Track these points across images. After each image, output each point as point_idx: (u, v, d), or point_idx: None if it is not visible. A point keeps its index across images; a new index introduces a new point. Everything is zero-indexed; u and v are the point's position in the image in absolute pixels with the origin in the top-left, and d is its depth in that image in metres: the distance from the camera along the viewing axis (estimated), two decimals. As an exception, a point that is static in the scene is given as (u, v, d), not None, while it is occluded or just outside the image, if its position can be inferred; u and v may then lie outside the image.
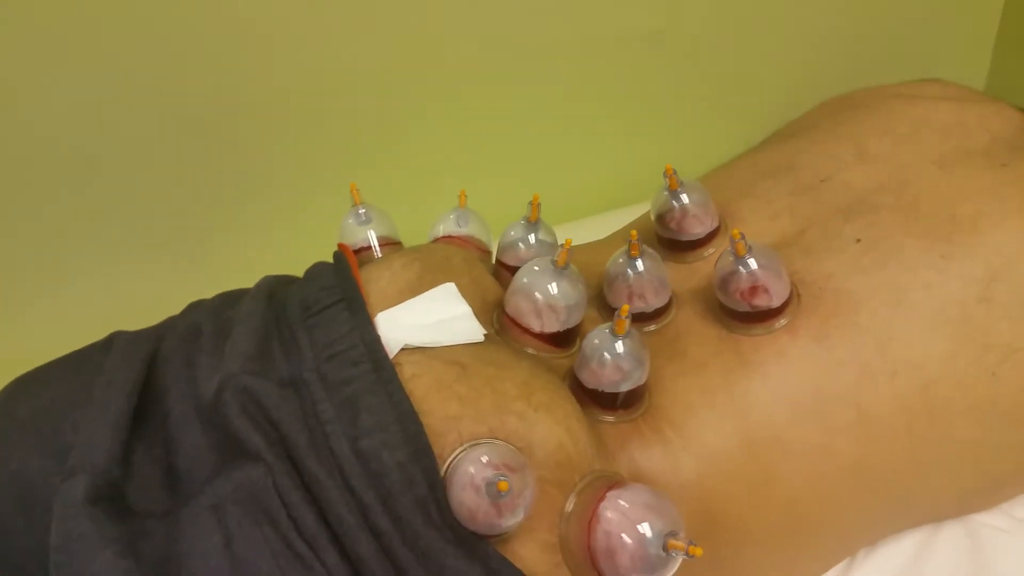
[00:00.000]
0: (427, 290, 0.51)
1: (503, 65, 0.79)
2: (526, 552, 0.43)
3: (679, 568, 0.43)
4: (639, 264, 0.53)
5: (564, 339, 0.53)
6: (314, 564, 0.41)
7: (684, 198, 0.57)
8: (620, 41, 0.82)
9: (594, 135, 0.85)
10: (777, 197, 0.59)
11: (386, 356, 0.47)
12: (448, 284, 0.52)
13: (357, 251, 0.58)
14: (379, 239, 0.59)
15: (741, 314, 0.51)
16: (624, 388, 0.48)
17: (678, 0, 0.79)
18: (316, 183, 0.79)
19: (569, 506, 0.44)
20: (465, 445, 0.43)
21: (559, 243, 0.58)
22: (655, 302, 0.54)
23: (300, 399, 0.46)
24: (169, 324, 0.55)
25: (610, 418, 0.49)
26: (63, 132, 0.68)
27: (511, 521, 0.41)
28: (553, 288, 0.51)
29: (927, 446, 0.50)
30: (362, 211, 0.59)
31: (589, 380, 0.48)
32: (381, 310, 0.50)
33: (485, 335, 0.50)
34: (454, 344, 0.48)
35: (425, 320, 0.50)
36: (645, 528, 0.42)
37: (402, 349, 0.48)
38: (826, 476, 0.50)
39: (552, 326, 0.52)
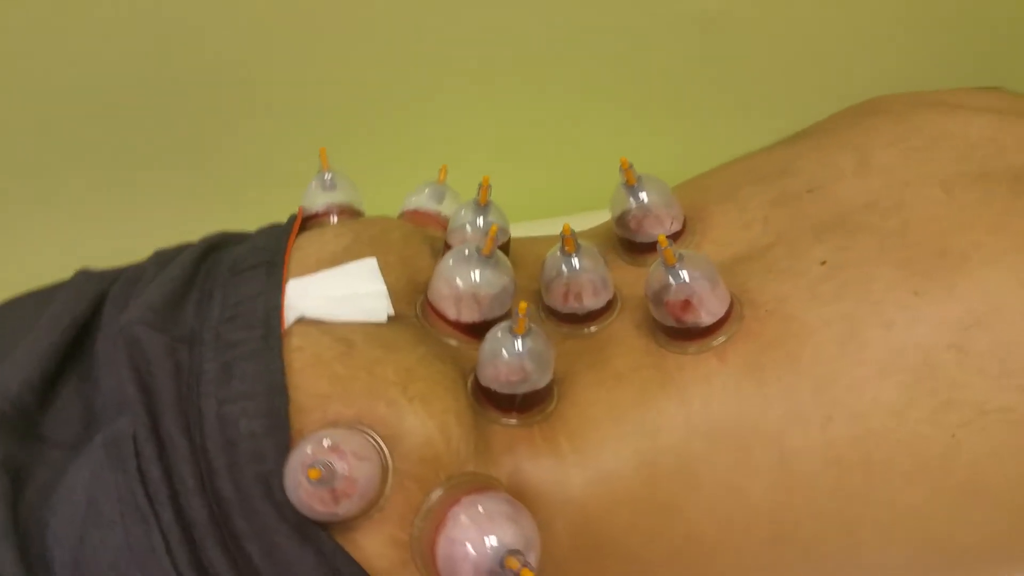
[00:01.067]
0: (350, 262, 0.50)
1: (538, 49, 0.76)
2: (370, 545, 0.42)
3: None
4: (574, 262, 0.50)
5: (485, 331, 0.50)
6: (149, 519, 0.41)
7: (643, 196, 0.52)
8: (670, 25, 0.77)
9: (628, 123, 0.81)
10: (756, 205, 0.53)
11: (278, 324, 0.46)
12: (370, 259, 0.50)
13: (314, 216, 0.58)
14: (338, 206, 0.58)
15: (671, 329, 0.47)
16: (521, 390, 0.45)
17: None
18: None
19: (427, 504, 0.42)
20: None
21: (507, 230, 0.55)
22: (590, 304, 0.50)
23: (191, 356, 0.46)
24: (130, 267, 0.57)
25: (512, 421, 0.46)
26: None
27: (344, 510, 0.40)
28: (475, 276, 0.48)
29: (859, 506, 0.44)
30: (327, 176, 0.59)
31: (485, 378, 0.45)
32: (297, 277, 0.49)
33: (392, 317, 0.48)
34: (353, 321, 0.47)
35: (335, 293, 0.49)
36: (492, 540, 0.39)
37: (299, 320, 0.47)
38: (735, 519, 0.45)
39: (469, 316, 0.49)
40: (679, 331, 0.46)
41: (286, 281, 0.49)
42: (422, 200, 0.61)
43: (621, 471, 0.44)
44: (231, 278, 0.50)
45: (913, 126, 0.54)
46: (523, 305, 0.44)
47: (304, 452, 0.39)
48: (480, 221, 0.54)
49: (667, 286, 0.46)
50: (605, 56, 0.78)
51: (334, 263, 0.50)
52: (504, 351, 0.45)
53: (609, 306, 0.51)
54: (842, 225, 0.49)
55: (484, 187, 0.53)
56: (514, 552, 0.39)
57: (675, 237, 0.53)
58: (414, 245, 0.54)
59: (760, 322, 0.46)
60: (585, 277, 0.50)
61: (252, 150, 0.81)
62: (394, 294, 0.50)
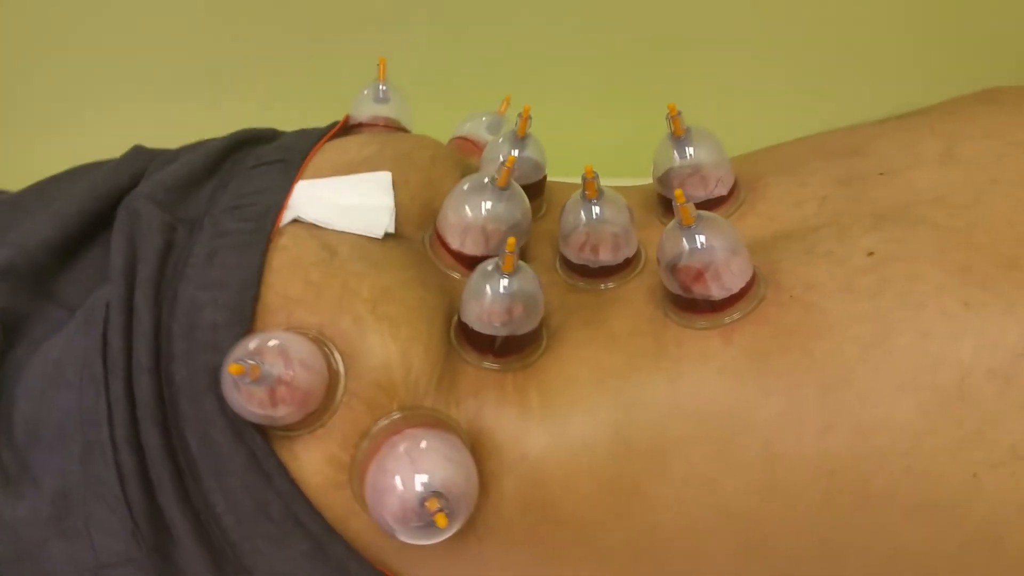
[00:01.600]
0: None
1: None
2: (308, 458, 0.40)
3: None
4: (595, 210, 0.45)
5: (490, 267, 0.47)
6: (101, 388, 0.41)
7: (689, 151, 0.47)
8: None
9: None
10: (818, 182, 0.47)
11: (272, 221, 0.45)
12: (384, 173, 0.48)
13: (358, 125, 0.56)
14: (384, 119, 0.56)
15: (679, 299, 0.42)
16: (501, 333, 0.42)
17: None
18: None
19: (373, 430, 0.40)
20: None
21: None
22: (606, 258, 0.46)
23: (189, 238, 0.46)
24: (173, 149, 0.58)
25: (492, 365, 0.43)
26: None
27: (282, 415, 0.38)
28: (485, 207, 0.45)
29: (846, 532, 0.38)
30: (382, 88, 0.57)
31: (465, 315, 0.43)
32: (309, 179, 0.48)
33: (391, 235, 0.46)
34: (348, 231, 0.45)
35: (340, 200, 0.47)
36: (423, 478, 0.37)
37: (294, 220, 0.45)
38: (702, 517, 0.40)
39: (473, 248, 0.46)
40: (687, 302, 0.42)
41: (296, 181, 0.47)
42: (475, 128, 0.58)
43: (588, 439, 0.41)
44: (248, 171, 0.50)
45: (1019, 121, 0.45)
46: (511, 241, 0.40)
47: (245, 348, 0.38)
48: (515, 153, 0.51)
49: (680, 251, 0.41)
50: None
51: (350, 171, 0.48)
52: (488, 288, 0.41)
53: (627, 264, 0.47)
54: (905, 215, 0.42)
55: (524, 118, 0.50)
56: (438, 494, 0.36)
57: (718, 202, 0.48)
58: (443, 168, 0.51)
59: (780, 307, 0.41)
60: (606, 229, 0.46)
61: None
62: (405, 214, 0.48)
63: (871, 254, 0.41)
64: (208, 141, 0.54)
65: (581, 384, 0.42)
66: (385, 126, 0.56)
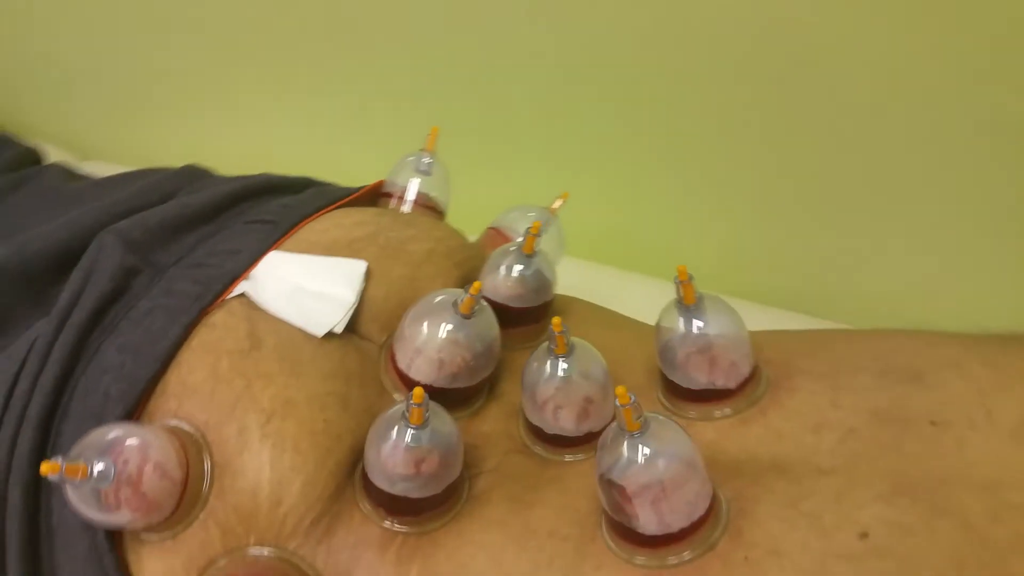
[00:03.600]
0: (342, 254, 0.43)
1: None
2: (149, 566, 0.36)
3: None
4: (560, 366, 0.38)
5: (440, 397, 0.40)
6: None
7: (698, 324, 0.38)
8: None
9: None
10: (852, 404, 0.36)
11: (218, 290, 0.41)
12: (360, 263, 0.43)
13: (389, 195, 0.51)
14: (423, 196, 0.51)
15: (612, 520, 0.33)
16: (396, 490, 0.35)
17: None
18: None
19: (220, 563, 0.35)
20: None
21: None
22: (567, 427, 0.38)
23: (148, 285, 0.44)
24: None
25: (384, 522, 0.37)
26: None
27: (122, 520, 0.35)
28: (444, 329, 0.39)
29: None
30: (426, 160, 0.52)
31: (366, 459, 0.36)
32: (291, 250, 0.44)
33: (334, 335, 0.41)
34: (287, 320, 0.40)
35: (302, 283, 0.42)
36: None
37: (239, 295, 0.41)
38: None
39: (420, 375, 0.40)
40: (618, 526, 0.33)
41: (271, 249, 0.44)
42: (514, 221, 0.52)
43: None
44: (242, 224, 0.47)
45: None
46: (418, 391, 0.34)
47: (101, 438, 0.34)
48: (516, 270, 0.44)
49: (615, 463, 0.32)
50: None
51: (332, 250, 0.44)
52: (393, 434, 0.35)
53: (590, 438, 0.38)
54: (933, 495, 0.31)
55: (532, 235, 0.43)
56: None
57: (723, 395, 0.38)
58: (437, 267, 0.45)
59: (726, 567, 0.31)
60: (575, 391, 0.38)
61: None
62: (373, 312, 0.43)
63: (864, 536, 0.30)
64: (236, 179, 0.52)
65: None
66: (416, 201, 0.51)
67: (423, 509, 0.36)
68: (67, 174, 0.68)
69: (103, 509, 0.34)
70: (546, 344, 0.38)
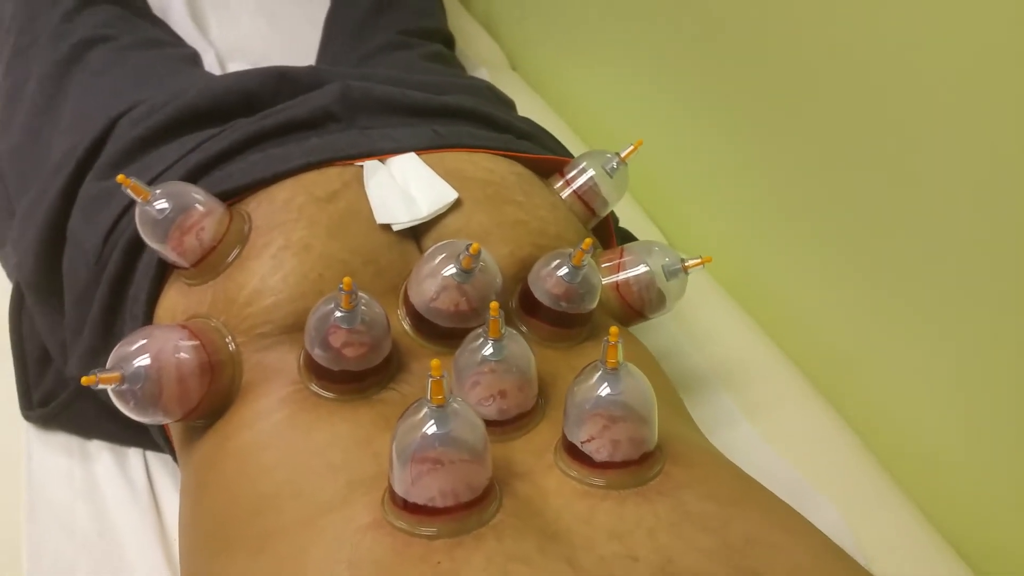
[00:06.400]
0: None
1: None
2: (171, 301, 0.47)
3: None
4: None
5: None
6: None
7: (618, 390, 0.36)
8: None
9: None
10: (669, 546, 0.32)
11: (344, 155, 0.50)
12: (452, 193, 0.49)
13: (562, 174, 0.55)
14: (585, 188, 0.54)
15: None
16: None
17: None
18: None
19: (197, 319, 0.45)
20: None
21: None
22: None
23: (336, 128, 0.54)
24: None
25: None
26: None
27: (184, 247, 0.45)
28: (439, 277, 0.43)
29: None
30: (615, 163, 0.54)
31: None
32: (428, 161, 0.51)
33: (389, 228, 0.47)
34: (369, 201, 0.48)
35: (404, 181, 0.49)
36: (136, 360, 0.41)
37: (361, 165, 0.50)
38: None
39: (415, 298, 0.44)
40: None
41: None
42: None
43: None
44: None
45: None
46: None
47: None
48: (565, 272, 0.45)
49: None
50: None
51: (449, 176, 0.50)
52: (328, 309, 0.41)
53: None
54: None
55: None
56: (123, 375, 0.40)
57: (622, 465, 0.36)
58: (515, 236, 0.49)
59: None
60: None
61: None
62: (436, 237, 0.49)
63: None
64: (470, 95, 0.61)
65: None
66: (579, 194, 0.54)
67: (340, 380, 0.41)
68: None
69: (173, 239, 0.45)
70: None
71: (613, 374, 0.36)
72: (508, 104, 0.68)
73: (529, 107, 0.91)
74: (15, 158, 0.64)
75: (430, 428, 0.33)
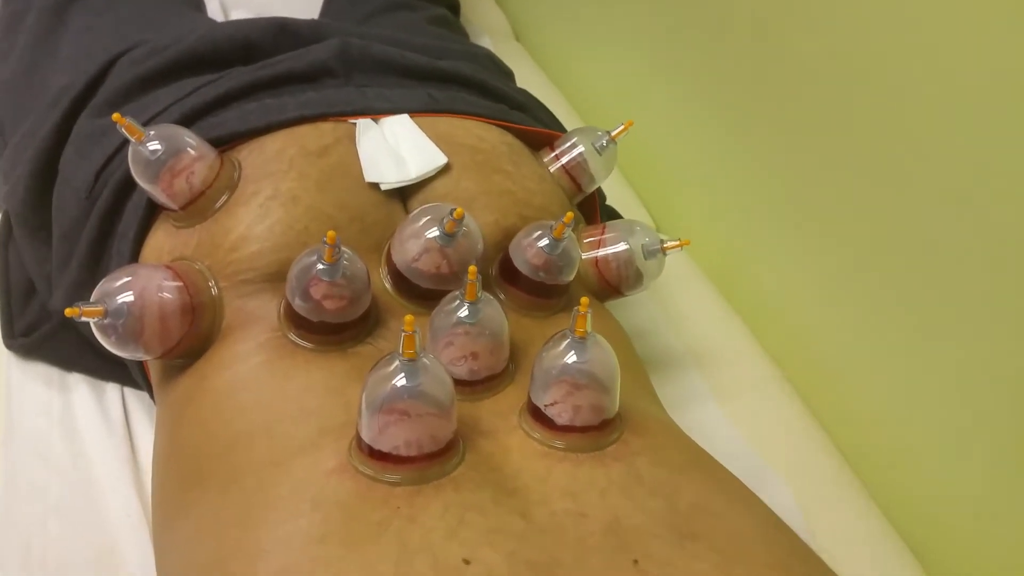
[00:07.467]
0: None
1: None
2: (156, 241, 0.48)
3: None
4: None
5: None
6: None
7: (584, 358, 0.37)
8: None
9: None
10: (616, 509, 0.33)
11: (338, 111, 0.50)
12: (442, 158, 0.49)
13: (552, 148, 0.56)
14: (573, 163, 0.54)
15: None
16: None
17: None
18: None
19: (182, 261, 0.46)
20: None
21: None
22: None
23: (333, 83, 0.54)
24: None
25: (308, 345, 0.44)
26: None
27: (171, 186, 0.46)
28: (424, 238, 0.44)
29: None
30: (604, 140, 0.55)
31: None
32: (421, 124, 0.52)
33: (378, 188, 0.48)
34: (360, 158, 0.48)
35: (396, 142, 0.50)
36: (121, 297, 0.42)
37: (354, 123, 0.50)
38: None
39: (397, 256, 0.45)
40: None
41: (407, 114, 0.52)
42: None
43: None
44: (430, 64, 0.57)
45: None
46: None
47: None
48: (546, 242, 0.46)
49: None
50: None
51: (440, 141, 0.50)
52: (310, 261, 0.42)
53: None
54: None
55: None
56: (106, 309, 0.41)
57: (584, 431, 0.38)
58: (501, 205, 0.49)
59: None
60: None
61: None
62: (422, 199, 0.49)
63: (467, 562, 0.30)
64: (471, 61, 0.62)
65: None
66: (567, 168, 0.55)
67: (318, 331, 0.42)
68: None
69: (164, 180, 0.45)
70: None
71: (580, 343, 0.37)
72: (507, 74, 0.69)
73: (529, 79, 0.91)
74: (10, 88, 0.64)
75: (400, 380, 0.34)
